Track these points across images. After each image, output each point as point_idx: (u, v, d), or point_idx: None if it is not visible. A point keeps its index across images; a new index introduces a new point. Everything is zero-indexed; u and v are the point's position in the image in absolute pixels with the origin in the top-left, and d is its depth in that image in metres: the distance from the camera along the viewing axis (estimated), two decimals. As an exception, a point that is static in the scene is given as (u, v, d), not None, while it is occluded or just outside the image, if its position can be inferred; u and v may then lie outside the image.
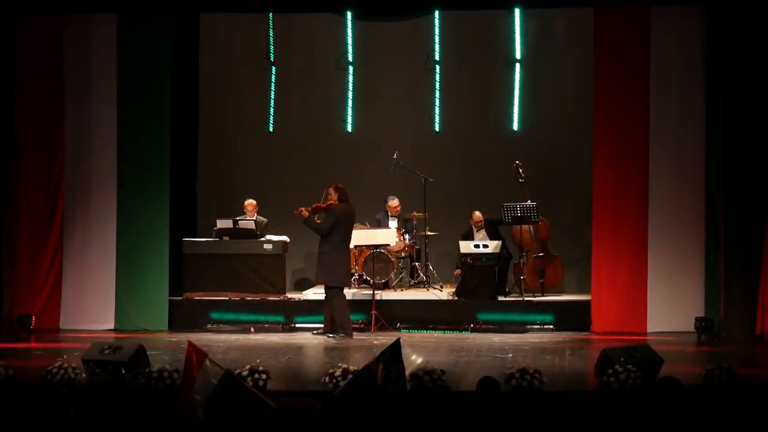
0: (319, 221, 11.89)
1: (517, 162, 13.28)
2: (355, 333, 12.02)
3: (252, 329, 12.56)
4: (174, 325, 12.63)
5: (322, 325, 12.06)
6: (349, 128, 14.86)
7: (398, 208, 13.79)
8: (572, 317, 12.62)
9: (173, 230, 12.81)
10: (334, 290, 11.90)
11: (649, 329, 12.15)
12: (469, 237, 13.50)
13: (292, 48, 14.91)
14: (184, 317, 12.81)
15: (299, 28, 14.81)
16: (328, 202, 11.86)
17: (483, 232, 13.52)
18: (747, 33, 11.70)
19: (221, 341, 11.61)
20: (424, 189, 13.67)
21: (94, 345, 9.57)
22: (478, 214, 13.57)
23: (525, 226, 13.23)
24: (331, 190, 11.95)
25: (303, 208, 11.91)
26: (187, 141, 13.88)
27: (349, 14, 14.03)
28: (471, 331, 12.32)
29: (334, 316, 11.85)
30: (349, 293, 13.07)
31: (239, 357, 10.23)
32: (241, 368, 8.49)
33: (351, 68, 14.72)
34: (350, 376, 8.06)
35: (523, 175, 13.21)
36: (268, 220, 13.67)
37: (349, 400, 6.75)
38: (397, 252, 13.43)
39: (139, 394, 8.15)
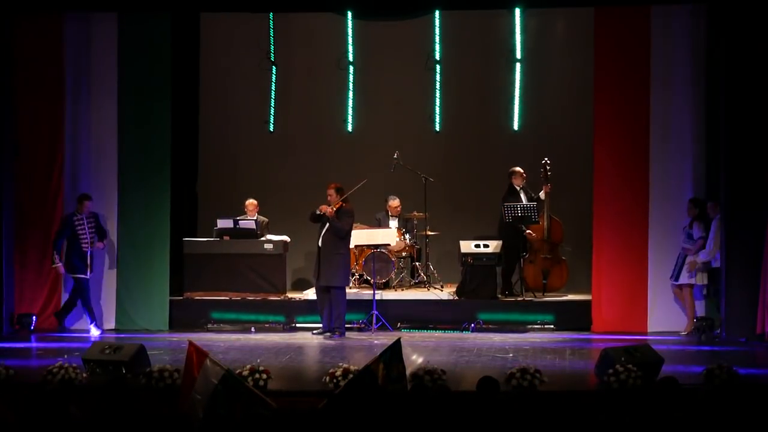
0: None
1: (546, 159, 13.18)
2: (355, 333, 12.13)
3: (252, 329, 12.56)
4: (174, 325, 12.63)
5: (321, 325, 12.05)
6: (350, 128, 14.86)
7: (399, 208, 13.78)
8: (572, 317, 12.62)
9: (174, 230, 12.81)
10: (342, 290, 11.93)
11: (650, 329, 12.16)
12: (514, 194, 13.30)
13: (293, 47, 14.90)
14: (185, 317, 12.82)
15: (299, 28, 14.80)
16: (339, 203, 11.83)
17: (523, 193, 13.40)
18: (747, 32, 11.68)
19: (222, 341, 11.60)
20: (425, 189, 13.67)
21: (95, 345, 9.59)
22: (519, 170, 13.37)
23: (540, 224, 13.15)
24: (334, 191, 11.91)
25: (328, 208, 11.83)
26: (187, 141, 13.89)
27: (349, 14, 14.03)
28: (471, 331, 12.32)
29: (339, 314, 11.83)
30: (350, 293, 13.09)
31: (240, 357, 10.24)
32: (241, 368, 8.50)
33: (351, 68, 14.72)
34: (351, 375, 8.06)
35: (549, 172, 13.10)
36: (269, 220, 13.65)
37: (349, 399, 6.75)
38: (397, 252, 13.42)
39: (139, 394, 8.15)
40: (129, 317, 12.62)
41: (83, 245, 12.31)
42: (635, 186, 12.28)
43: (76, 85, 12.73)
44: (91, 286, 12.58)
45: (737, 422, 6.36)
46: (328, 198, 11.94)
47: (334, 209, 11.83)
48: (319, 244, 11.94)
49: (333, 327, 11.89)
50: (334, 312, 11.89)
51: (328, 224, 11.85)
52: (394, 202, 13.78)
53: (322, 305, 12.04)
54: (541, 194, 13.15)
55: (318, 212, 11.90)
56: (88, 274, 12.33)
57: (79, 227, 12.31)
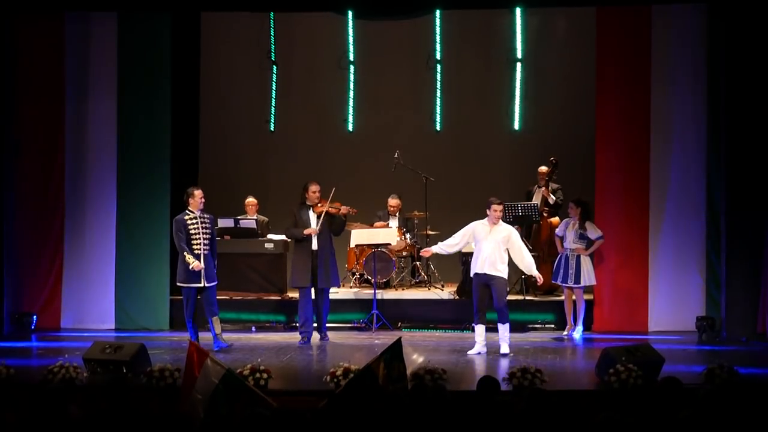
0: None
1: (553, 158, 13.05)
2: (356, 332, 12.14)
3: (253, 328, 12.56)
4: (175, 325, 12.60)
5: (305, 334, 11.61)
6: (350, 127, 14.87)
7: (398, 207, 13.77)
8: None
9: (174, 229, 12.79)
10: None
11: (651, 328, 12.15)
12: (531, 196, 13.34)
13: (293, 47, 14.91)
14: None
15: (300, 27, 14.82)
16: (325, 203, 11.64)
17: (537, 192, 13.35)
18: (747, 32, 11.69)
19: (222, 340, 11.58)
20: (425, 188, 13.67)
21: (96, 344, 9.58)
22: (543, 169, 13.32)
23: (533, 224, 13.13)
24: (319, 189, 11.67)
25: (323, 208, 11.55)
26: (187, 140, 13.87)
27: (350, 13, 14.03)
28: (472, 331, 12.29)
29: (325, 315, 11.68)
30: (351, 292, 13.10)
31: (240, 356, 10.24)
32: (242, 367, 8.50)
33: (352, 67, 14.74)
34: (351, 375, 8.05)
35: (555, 174, 12.99)
36: (269, 219, 13.65)
37: (350, 399, 6.75)
38: (398, 251, 13.42)
39: (140, 394, 8.15)
40: (129, 317, 12.61)
41: (194, 248, 10.95)
42: (636, 186, 12.28)
43: (77, 85, 12.72)
44: (90, 283, 12.59)
45: (738, 422, 6.35)
46: (317, 194, 11.53)
47: (330, 209, 11.56)
48: (314, 247, 11.53)
49: (323, 330, 11.67)
50: (324, 314, 11.66)
51: (320, 225, 11.48)
52: (394, 201, 13.78)
53: (310, 305, 11.66)
54: (544, 194, 13.11)
55: (305, 234, 11.47)
56: (201, 283, 10.89)
57: (192, 227, 11.03)
